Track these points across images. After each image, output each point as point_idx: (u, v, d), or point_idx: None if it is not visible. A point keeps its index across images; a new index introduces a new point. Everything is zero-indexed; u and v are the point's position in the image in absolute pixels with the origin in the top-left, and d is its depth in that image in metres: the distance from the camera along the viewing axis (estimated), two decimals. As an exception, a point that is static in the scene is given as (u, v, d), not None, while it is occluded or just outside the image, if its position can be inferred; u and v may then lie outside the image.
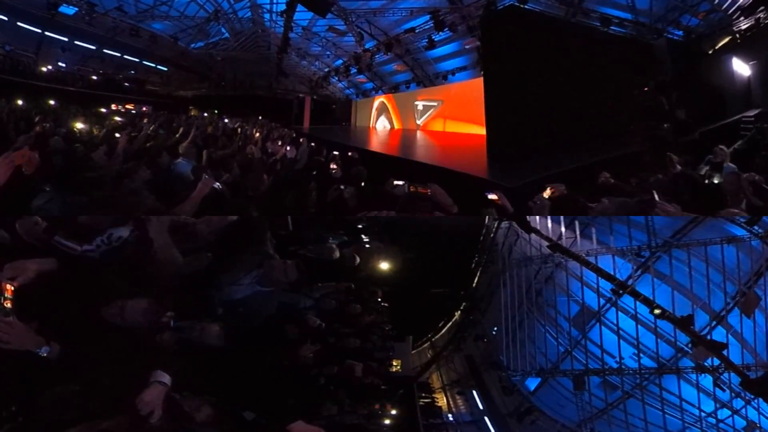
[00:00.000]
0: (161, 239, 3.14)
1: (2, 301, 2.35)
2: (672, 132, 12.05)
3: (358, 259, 6.01)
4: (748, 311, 11.97)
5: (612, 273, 11.59)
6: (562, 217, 12.89)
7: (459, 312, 20.51)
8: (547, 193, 4.82)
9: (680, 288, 12.76)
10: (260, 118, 31.31)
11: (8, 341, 2.29)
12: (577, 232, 13.42)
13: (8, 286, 2.39)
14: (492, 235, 17.64)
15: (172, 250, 3.20)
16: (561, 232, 13.53)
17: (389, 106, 32.07)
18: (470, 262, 19.30)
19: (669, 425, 13.09)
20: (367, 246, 7.17)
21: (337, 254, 5.32)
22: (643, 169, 7.70)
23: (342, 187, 5.48)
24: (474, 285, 19.46)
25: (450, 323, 21.02)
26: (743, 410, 12.33)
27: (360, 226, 8.09)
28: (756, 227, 11.42)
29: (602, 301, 13.61)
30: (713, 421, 12.63)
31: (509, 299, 15.55)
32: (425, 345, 21.87)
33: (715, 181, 6.70)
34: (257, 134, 14.13)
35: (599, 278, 12.16)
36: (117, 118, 14.46)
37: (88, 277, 2.95)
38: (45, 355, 2.40)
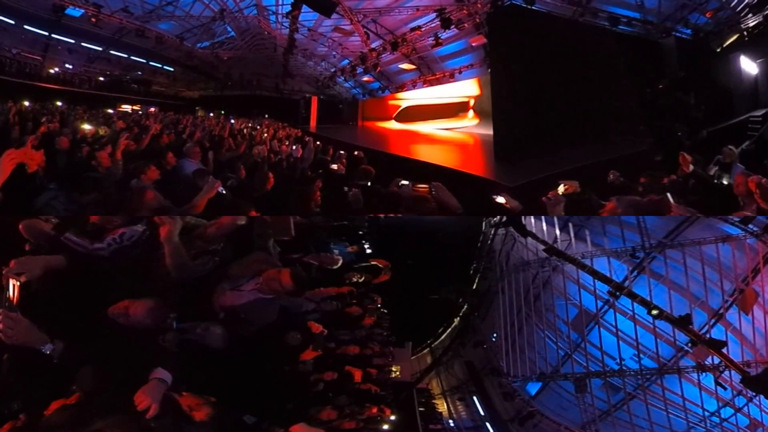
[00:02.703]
0: (171, 241, 3.13)
1: (8, 296, 2.35)
2: (687, 131, 11.96)
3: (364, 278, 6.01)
4: (746, 308, 11.91)
5: (608, 275, 11.55)
6: (556, 220, 12.87)
7: (458, 318, 20.43)
8: (561, 190, 4.74)
9: (677, 287, 12.75)
10: (266, 116, 31.35)
11: (12, 336, 2.30)
12: (572, 235, 13.39)
13: (14, 282, 2.39)
14: (489, 241, 17.60)
15: (181, 253, 3.19)
16: (556, 235, 13.51)
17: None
18: (468, 268, 19.24)
19: (673, 425, 13.05)
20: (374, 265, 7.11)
21: (340, 263, 5.30)
22: (654, 168, 7.63)
23: (346, 188, 5.45)
24: (473, 291, 19.40)
25: (449, 329, 20.94)
26: (746, 408, 12.29)
27: (362, 232, 8.05)
28: (751, 225, 11.37)
29: (600, 304, 13.57)
30: (717, 420, 12.58)
31: (508, 305, 15.55)
32: (425, 351, 21.81)
33: (725, 182, 6.61)
34: (265, 135, 14.15)
35: (596, 280, 12.13)
36: (122, 122, 14.43)
37: (95, 275, 2.96)
38: (48, 352, 2.41)
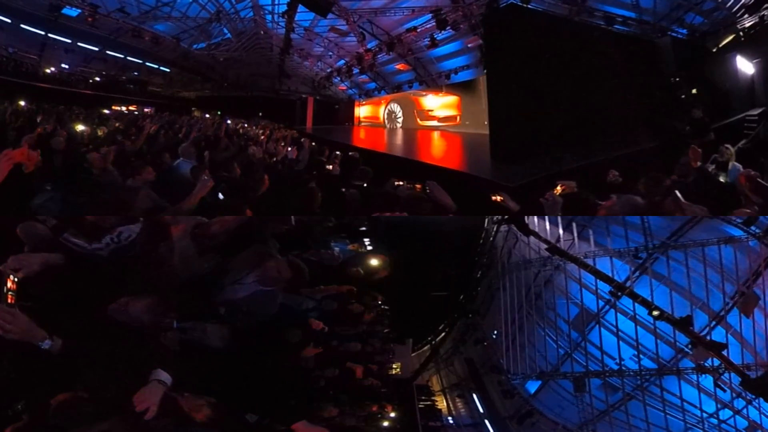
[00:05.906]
0: (183, 240, 3.12)
1: (5, 291, 2.33)
2: (688, 130, 11.96)
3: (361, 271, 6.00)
4: (747, 311, 11.92)
5: (610, 275, 11.55)
6: (559, 219, 12.87)
7: (459, 315, 20.41)
8: (558, 190, 4.73)
9: (678, 289, 12.76)
10: (260, 114, 31.31)
11: (11, 331, 2.27)
12: (575, 234, 13.39)
13: (11, 278, 2.38)
14: (491, 238, 17.60)
15: (190, 251, 3.18)
16: (559, 235, 13.51)
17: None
18: (470, 266, 19.21)
19: (671, 426, 13.07)
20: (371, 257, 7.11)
21: (340, 259, 5.30)
22: (652, 167, 7.61)
23: (343, 190, 5.45)
24: (474, 288, 19.39)
25: (450, 327, 20.93)
26: (744, 410, 12.30)
27: (361, 229, 8.04)
28: (753, 227, 11.38)
29: (601, 303, 13.59)
30: (715, 421, 12.60)
31: (509, 302, 15.54)
32: (425, 348, 21.81)
33: (722, 180, 6.63)
34: (261, 137, 14.13)
35: (598, 280, 12.14)
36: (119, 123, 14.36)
37: (94, 273, 2.94)
38: (47, 348, 2.38)
